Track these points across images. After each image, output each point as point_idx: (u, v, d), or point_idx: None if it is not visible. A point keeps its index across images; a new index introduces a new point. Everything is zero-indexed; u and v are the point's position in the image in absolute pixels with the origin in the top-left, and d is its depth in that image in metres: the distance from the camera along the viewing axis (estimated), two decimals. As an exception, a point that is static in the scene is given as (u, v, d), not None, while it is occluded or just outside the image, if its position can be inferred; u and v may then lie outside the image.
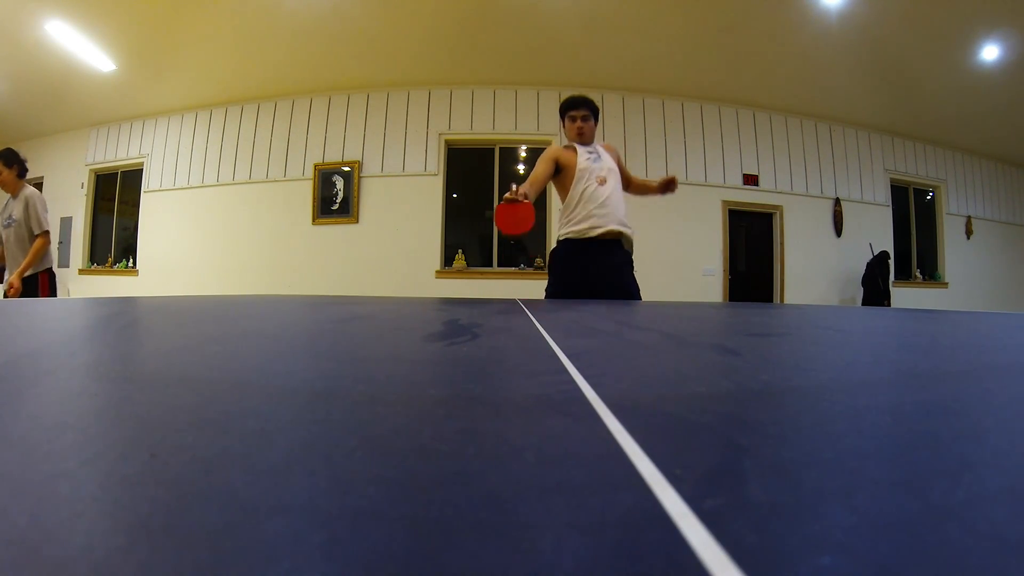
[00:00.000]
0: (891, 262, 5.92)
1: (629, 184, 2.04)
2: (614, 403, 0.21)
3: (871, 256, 5.82)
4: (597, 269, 1.84)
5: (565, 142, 1.98)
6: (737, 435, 0.17)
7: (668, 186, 1.98)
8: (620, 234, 1.88)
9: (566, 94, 5.70)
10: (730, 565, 0.08)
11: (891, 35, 4.36)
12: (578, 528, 0.10)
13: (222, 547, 0.09)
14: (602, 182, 1.84)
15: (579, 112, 1.89)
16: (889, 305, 5.70)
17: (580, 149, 1.89)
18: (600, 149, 1.93)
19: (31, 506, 0.11)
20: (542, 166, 1.85)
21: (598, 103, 2.05)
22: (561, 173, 1.88)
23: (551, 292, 1.91)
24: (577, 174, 1.84)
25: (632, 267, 1.95)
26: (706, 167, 5.48)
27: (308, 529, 0.10)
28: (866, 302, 5.69)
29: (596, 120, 1.94)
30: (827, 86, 5.21)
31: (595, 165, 1.86)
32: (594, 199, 1.84)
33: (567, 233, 1.88)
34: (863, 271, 5.84)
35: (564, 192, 1.90)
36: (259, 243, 5.49)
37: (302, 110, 5.51)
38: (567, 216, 1.90)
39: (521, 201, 1.63)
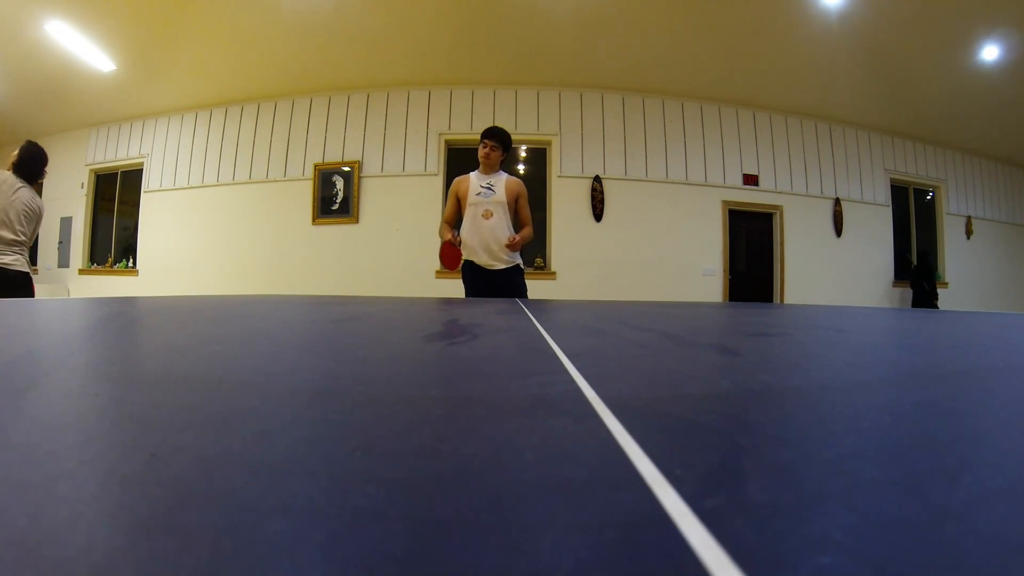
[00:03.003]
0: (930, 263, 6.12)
1: (520, 222, 2.32)
2: (614, 403, 0.21)
3: (913, 265, 6.12)
4: (493, 283, 2.26)
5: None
6: (737, 435, 0.17)
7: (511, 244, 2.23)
8: (491, 265, 2.27)
9: (566, 94, 5.64)
10: (730, 565, 0.08)
11: (891, 35, 4.36)
12: (578, 528, 0.10)
13: (222, 547, 0.09)
14: (487, 216, 2.22)
15: (490, 141, 2.23)
16: (937, 305, 5.90)
17: (475, 182, 2.25)
18: (501, 182, 2.25)
19: (31, 506, 0.11)
20: (448, 204, 2.35)
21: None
22: (461, 203, 2.31)
23: (469, 296, 2.29)
24: (468, 208, 2.24)
25: (520, 272, 2.30)
26: (706, 167, 5.48)
27: (308, 529, 0.10)
28: (915, 304, 5.88)
29: (506, 151, 2.27)
30: (827, 86, 5.21)
31: (484, 200, 2.23)
32: (476, 232, 2.22)
33: (466, 257, 2.28)
34: (908, 275, 6.14)
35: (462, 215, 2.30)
36: (259, 243, 5.49)
37: (302, 110, 5.51)
38: (464, 241, 2.29)
39: (456, 245, 2.20)
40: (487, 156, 2.24)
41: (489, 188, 2.23)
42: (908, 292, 6.23)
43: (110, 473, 0.13)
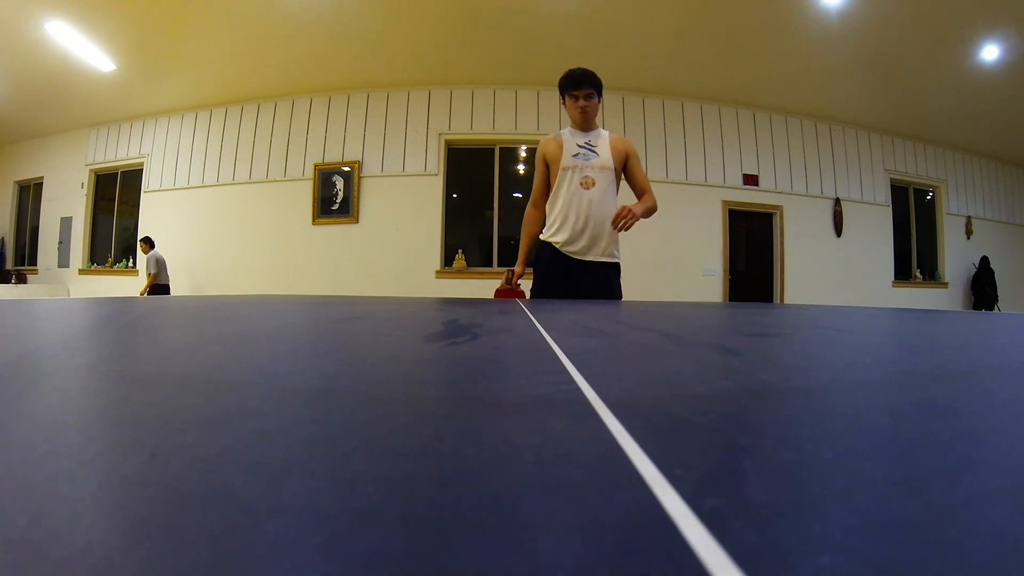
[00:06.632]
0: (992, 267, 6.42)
1: (636, 190, 1.82)
2: (614, 403, 0.21)
3: (975, 270, 6.42)
4: (579, 281, 1.74)
5: (564, 126, 1.82)
6: (737, 435, 0.17)
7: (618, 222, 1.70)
8: (587, 255, 1.73)
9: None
10: (730, 565, 0.08)
11: (891, 35, 4.36)
12: (578, 528, 0.10)
13: (222, 547, 0.09)
14: (588, 184, 1.69)
15: (581, 91, 1.70)
16: (998, 308, 6.18)
17: (569, 140, 1.75)
18: (603, 140, 1.75)
19: (31, 506, 0.11)
20: (536, 175, 1.81)
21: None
22: (550, 169, 1.78)
23: (535, 292, 1.81)
24: (560, 173, 1.73)
25: (619, 273, 1.81)
26: (706, 167, 5.48)
27: (308, 529, 0.10)
28: (976, 307, 6.15)
29: (600, 97, 1.75)
30: (827, 86, 5.21)
31: (583, 163, 1.71)
32: (575, 207, 1.70)
33: (549, 238, 1.77)
34: (970, 279, 6.51)
35: (552, 187, 1.79)
36: (259, 243, 5.49)
37: (302, 110, 5.51)
38: (549, 218, 1.78)
39: (517, 288, 1.73)
40: (584, 111, 1.70)
41: (589, 148, 1.72)
42: (907, 292, 6.23)
43: (110, 473, 0.13)
